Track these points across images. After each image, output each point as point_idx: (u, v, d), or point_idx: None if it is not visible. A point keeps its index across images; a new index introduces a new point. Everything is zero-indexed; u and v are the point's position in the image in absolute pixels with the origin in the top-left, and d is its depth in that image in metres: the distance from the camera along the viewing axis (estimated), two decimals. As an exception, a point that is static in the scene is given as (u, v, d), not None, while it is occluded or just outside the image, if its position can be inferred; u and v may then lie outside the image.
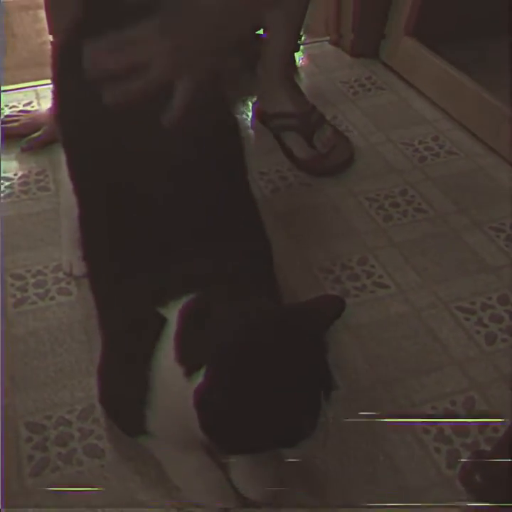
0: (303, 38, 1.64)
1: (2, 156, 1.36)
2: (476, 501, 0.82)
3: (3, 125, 1.42)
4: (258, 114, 1.47)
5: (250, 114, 1.49)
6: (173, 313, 0.74)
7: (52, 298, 1.09)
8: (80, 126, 0.91)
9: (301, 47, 1.73)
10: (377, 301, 1.10)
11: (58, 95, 0.98)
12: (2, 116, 1.45)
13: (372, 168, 1.38)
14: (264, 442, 0.71)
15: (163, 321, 0.74)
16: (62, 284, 1.11)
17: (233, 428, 0.69)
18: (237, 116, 1.38)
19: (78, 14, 0.97)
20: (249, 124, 1.45)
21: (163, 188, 0.82)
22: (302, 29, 1.45)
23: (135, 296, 0.79)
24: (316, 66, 1.71)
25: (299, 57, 1.71)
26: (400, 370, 0.99)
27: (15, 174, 1.34)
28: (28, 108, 1.52)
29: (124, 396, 0.81)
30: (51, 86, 1.01)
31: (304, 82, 1.65)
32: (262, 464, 0.81)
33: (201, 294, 0.75)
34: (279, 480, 0.82)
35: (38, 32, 1.77)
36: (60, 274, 1.13)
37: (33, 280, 1.12)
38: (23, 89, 1.58)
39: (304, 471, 0.84)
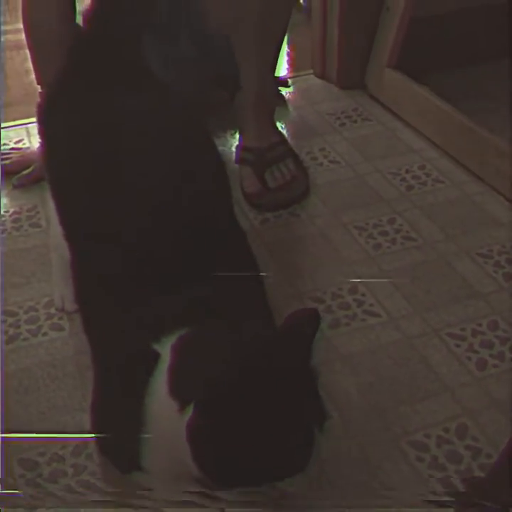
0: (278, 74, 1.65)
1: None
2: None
3: None
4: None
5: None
6: (166, 349, 0.74)
7: (44, 334, 1.09)
8: (67, 178, 0.92)
9: (290, 80, 1.77)
10: (368, 329, 1.10)
11: (45, 150, 0.99)
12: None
13: (360, 197, 1.40)
14: (257, 477, 0.70)
15: (156, 357, 0.74)
16: (55, 320, 1.12)
17: (225, 462, 0.68)
18: (222, 149, 1.39)
19: (62, 69, 1.00)
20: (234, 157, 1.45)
21: (152, 225, 0.83)
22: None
23: (128, 332, 0.79)
24: (303, 99, 1.74)
25: (286, 91, 1.74)
26: (393, 398, 0.99)
27: (6, 211, 1.35)
28: (20, 145, 1.54)
29: (118, 432, 0.80)
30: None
31: (291, 114, 1.68)
32: None
33: (194, 328, 0.76)
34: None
35: (28, 71, 1.78)
36: (52, 310, 1.13)
37: (25, 316, 1.12)
38: (14, 127, 1.60)
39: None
